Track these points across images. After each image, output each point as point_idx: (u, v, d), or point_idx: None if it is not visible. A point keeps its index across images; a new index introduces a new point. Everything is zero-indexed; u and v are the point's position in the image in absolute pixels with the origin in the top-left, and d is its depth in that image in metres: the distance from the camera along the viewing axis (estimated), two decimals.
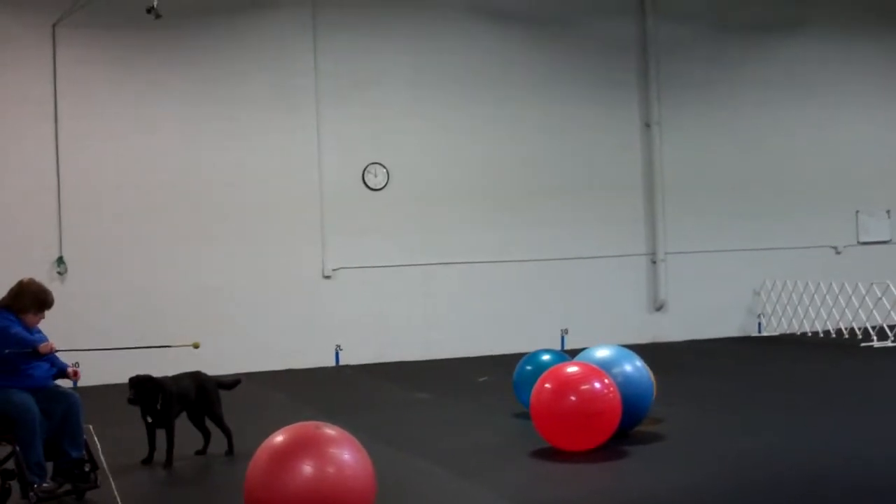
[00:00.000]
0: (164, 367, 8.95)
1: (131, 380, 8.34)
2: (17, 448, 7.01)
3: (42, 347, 7.09)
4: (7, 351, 7.06)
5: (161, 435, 8.35)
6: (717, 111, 17.34)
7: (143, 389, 8.29)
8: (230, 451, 8.57)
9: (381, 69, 15.53)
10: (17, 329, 7.17)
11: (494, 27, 16.18)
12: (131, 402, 8.29)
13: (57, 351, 7.18)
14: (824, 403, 10.50)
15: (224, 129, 14.75)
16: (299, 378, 14.00)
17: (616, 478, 7.76)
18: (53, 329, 7.92)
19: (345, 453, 5.73)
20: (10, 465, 7.15)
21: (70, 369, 7.61)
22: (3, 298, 7.44)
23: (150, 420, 8.33)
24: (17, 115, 13.84)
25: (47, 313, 7.58)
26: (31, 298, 7.38)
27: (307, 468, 5.57)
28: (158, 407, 8.28)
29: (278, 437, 5.80)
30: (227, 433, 8.69)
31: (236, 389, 9.19)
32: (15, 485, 7.11)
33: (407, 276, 15.57)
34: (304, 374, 14.39)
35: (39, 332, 7.56)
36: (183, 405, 8.55)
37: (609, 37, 16.77)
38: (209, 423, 8.76)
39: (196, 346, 8.14)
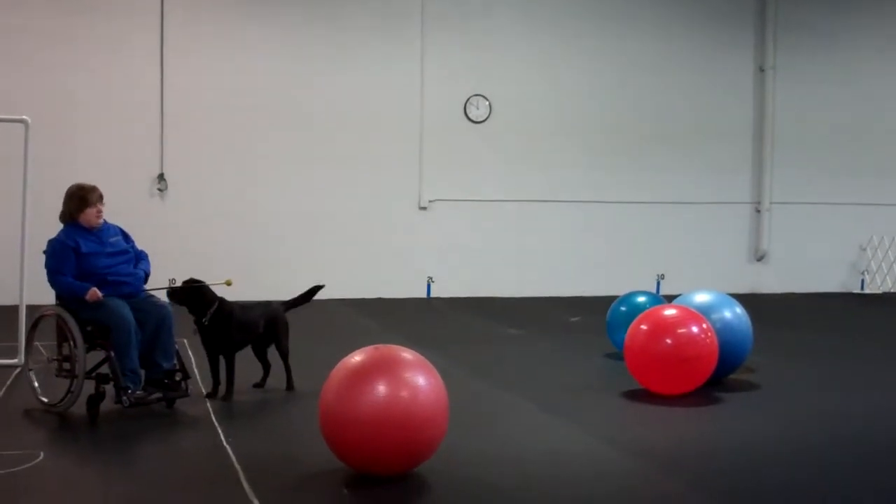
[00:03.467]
0: (251, 293, 8.83)
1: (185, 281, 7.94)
2: (112, 354, 7.12)
3: (89, 297, 7.13)
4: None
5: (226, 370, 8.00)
6: (834, 59, 16.65)
7: (191, 292, 7.80)
8: (290, 386, 8.24)
9: None
10: (67, 279, 7.23)
11: None
12: (171, 294, 7.81)
13: (99, 298, 7.16)
14: None
15: (327, 53, 14.67)
16: (390, 307, 14.01)
17: (707, 423, 7.57)
18: (151, 245, 7.99)
19: (419, 378, 5.72)
20: (105, 369, 7.27)
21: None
22: (60, 213, 7.53)
23: (194, 330, 7.86)
24: (122, 26, 13.89)
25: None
26: (71, 200, 7.43)
27: (381, 389, 5.59)
28: (205, 321, 7.79)
29: (356, 357, 5.83)
30: (287, 369, 8.27)
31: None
32: (108, 390, 7.22)
33: (503, 212, 15.41)
34: (394, 303, 14.40)
35: (117, 233, 7.60)
36: (248, 336, 8.11)
37: None
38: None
39: (229, 284, 7.91)
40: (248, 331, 8.07)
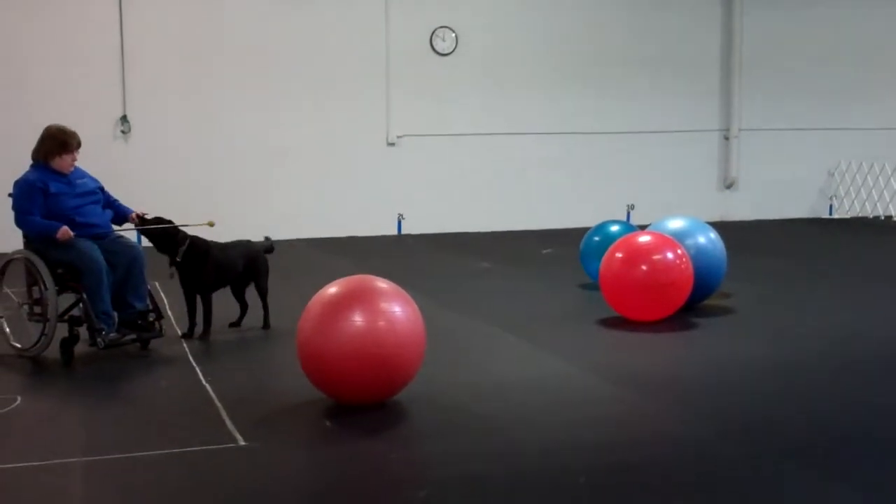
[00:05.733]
0: (219, 233, 8.56)
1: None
2: (85, 296, 7.03)
3: (60, 235, 6.98)
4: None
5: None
6: None
7: (157, 232, 7.70)
8: (266, 324, 8.18)
9: None
10: (36, 219, 7.09)
11: None
12: (142, 221, 7.67)
13: (70, 237, 7.01)
14: (894, 287, 10.18)
15: None
16: (361, 245, 13.93)
17: (683, 347, 7.65)
18: (115, 187, 7.85)
19: (395, 307, 5.73)
20: (78, 312, 7.17)
21: (133, 214, 7.62)
22: (33, 151, 7.36)
23: (171, 272, 7.77)
24: None
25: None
26: (51, 142, 7.25)
27: (357, 318, 5.58)
28: (178, 259, 7.70)
29: (332, 288, 5.82)
30: (265, 308, 8.22)
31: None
32: (82, 332, 7.15)
33: (473, 146, 15.28)
34: (365, 241, 14.32)
35: (84, 175, 7.45)
36: (227, 276, 8.02)
37: None
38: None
39: (211, 225, 7.86)
40: (226, 270, 7.99)
